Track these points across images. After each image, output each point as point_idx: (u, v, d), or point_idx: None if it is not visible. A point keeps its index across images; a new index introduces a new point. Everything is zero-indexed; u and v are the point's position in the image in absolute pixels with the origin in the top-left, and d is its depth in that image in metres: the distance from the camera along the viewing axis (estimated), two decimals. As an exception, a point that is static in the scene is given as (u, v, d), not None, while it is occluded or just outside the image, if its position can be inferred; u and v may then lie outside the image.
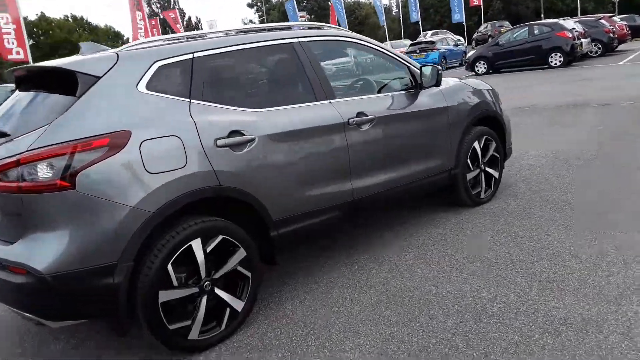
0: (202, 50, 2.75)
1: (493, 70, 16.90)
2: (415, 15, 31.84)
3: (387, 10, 44.45)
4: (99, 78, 2.43)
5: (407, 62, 3.77)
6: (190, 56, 2.69)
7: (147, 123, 2.43)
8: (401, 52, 24.34)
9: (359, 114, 3.25)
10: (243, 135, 2.70)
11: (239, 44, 2.93)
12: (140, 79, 2.51)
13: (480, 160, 4.21)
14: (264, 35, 3.11)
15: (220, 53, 2.83)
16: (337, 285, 3.17)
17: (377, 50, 3.66)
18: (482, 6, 33.93)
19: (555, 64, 15.42)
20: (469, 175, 4.13)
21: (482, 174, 4.27)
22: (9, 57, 16.68)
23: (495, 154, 4.37)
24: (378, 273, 3.26)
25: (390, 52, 3.73)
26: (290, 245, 3.05)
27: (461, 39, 29.84)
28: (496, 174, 4.40)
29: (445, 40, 23.82)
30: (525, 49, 15.84)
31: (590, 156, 5.35)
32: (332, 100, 3.17)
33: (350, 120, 3.18)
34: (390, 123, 3.44)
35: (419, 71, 3.71)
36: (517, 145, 6.22)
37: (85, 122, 2.32)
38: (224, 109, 2.71)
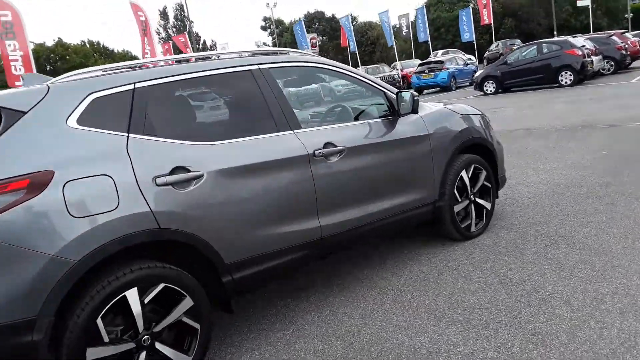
0: (145, 80, 2.54)
1: (502, 89, 16.58)
2: (424, 35, 31.68)
3: (398, 30, 44.54)
4: (24, 113, 2.23)
5: (383, 87, 3.51)
6: (130, 87, 2.48)
7: (74, 161, 2.21)
8: (410, 72, 24.34)
9: (327, 145, 3.00)
10: (188, 171, 2.46)
11: (188, 73, 2.71)
12: (71, 113, 2.30)
13: (469, 190, 3.92)
14: (220, 63, 2.89)
15: (166, 83, 2.62)
16: (304, 334, 2.89)
17: (350, 76, 3.42)
18: (492, 24, 33.75)
19: (566, 82, 15.05)
20: (457, 207, 3.83)
21: (472, 205, 3.97)
22: (17, 83, 16.94)
23: (487, 184, 4.07)
24: (350, 319, 2.96)
25: (365, 78, 3.48)
26: (250, 289, 2.79)
27: (472, 57, 29.65)
28: (488, 205, 4.10)
29: (455, 60, 23.60)
30: (534, 67, 15.51)
31: (592, 184, 5.01)
32: (296, 131, 2.93)
33: (316, 151, 2.93)
34: (363, 154, 3.18)
35: (414, 94, 3.47)
36: (518, 171, 5.95)
37: (4, 163, 2.10)
38: (168, 143, 2.48)
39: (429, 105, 3.83)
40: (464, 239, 3.94)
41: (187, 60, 2.96)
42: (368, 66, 29.84)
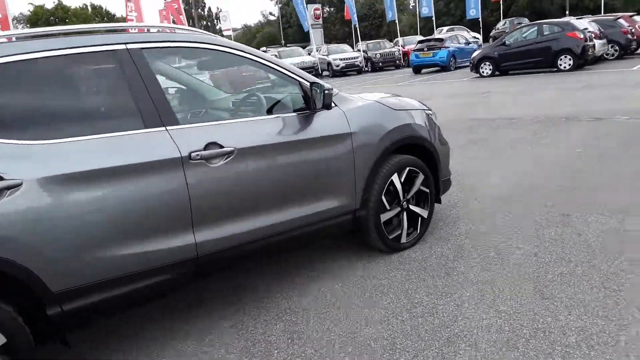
0: None
1: (500, 72, 15.90)
2: (427, 10, 30.55)
3: (406, 3, 43.13)
4: None
5: (297, 76, 3.02)
6: None
7: None
8: (412, 49, 23.52)
9: (210, 145, 2.54)
10: (1, 179, 2.02)
11: (25, 53, 2.24)
12: None
13: (401, 196, 3.47)
14: (75, 41, 2.40)
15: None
16: (170, 366, 2.49)
17: (253, 60, 2.91)
18: (501, 2, 32.55)
19: (564, 67, 14.36)
20: (385, 216, 3.39)
21: (404, 213, 3.52)
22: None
23: (424, 189, 3.62)
24: (228, 354, 2.56)
25: (273, 64, 2.98)
26: (92, 320, 2.37)
27: (478, 36, 28.66)
28: (424, 213, 3.66)
29: (456, 38, 22.74)
30: (533, 49, 14.79)
31: (554, 189, 4.54)
32: (171, 128, 2.46)
33: (193, 153, 2.47)
34: (259, 156, 2.72)
35: (327, 86, 2.97)
36: (483, 167, 5.48)
37: None
38: None
39: (358, 99, 3.35)
40: (392, 251, 3.52)
41: (46, 36, 2.48)
42: (369, 41, 28.93)
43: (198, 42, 2.73)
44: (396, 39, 29.87)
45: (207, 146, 2.52)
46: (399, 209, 3.49)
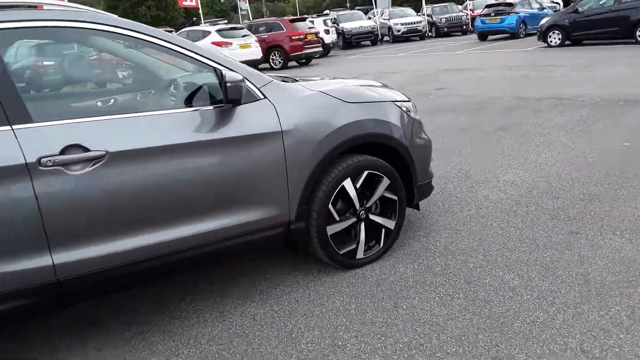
0: None
1: (571, 41, 14.27)
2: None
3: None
4: None
5: (212, 62, 2.46)
6: None
7: None
8: (477, 14, 21.82)
9: (69, 149, 2.07)
10: None
11: None
12: None
13: (356, 205, 2.90)
14: None
15: None
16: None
17: (148, 42, 2.35)
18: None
19: (645, 39, 12.60)
20: (333, 228, 2.84)
21: (362, 224, 2.95)
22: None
23: (391, 196, 3.02)
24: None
25: (177, 45, 2.40)
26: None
27: (558, 0, 26.12)
28: (390, 224, 3.06)
29: (528, 2, 20.72)
30: (609, 18, 13.05)
31: (573, 196, 3.75)
32: (18, 127, 2.02)
33: (43, 159, 2.03)
34: (143, 161, 2.21)
35: (234, 77, 2.39)
36: (498, 163, 4.71)
37: None
38: None
39: (301, 89, 2.75)
40: (345, 268, 2.98)
41: None
42: (435, 5, 27.20)
43: (73, 20, 2.23)
44: (465, 2, 27.92)
45: (66, 149, 2.06)
46: (354, 219, 2.92)
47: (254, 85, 2.54)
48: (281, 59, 17.45)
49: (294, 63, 18.41)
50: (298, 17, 18.94)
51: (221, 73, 2.32)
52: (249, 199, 2.52)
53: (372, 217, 2.99)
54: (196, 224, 2.39)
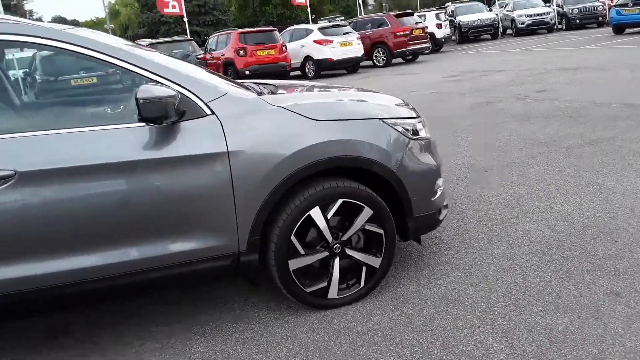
0: None
1: None
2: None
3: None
4: None
5: (153, 73, 2.22)
6: None
7: None
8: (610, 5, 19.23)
9: None
10: None
11: None
12: None
13: (328, 237, 2.51)
14: None
15: None
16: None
17: (65, 50, 2.16)
18: None
19: None
20: (297, 263, 2.48)
21: (336, 260, 2.55)
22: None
23: (375, 229, 2.58)
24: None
25: (107, 55, 2.18)
26: None
27: None
28: (374, 262, 2.62)
29: (680, -11, 17.75)
30: None
31: (628, 241, 2.96)
32: None
33: None
34: (60, 181, 2.06)
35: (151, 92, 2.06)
36: (565, 186, 3.94)
37: None
38: None
39: (263, 104, 2.41)
40: (317, 308, 2.61)
41: None
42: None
43: None
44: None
45: None
46: (325, 253, 2.54)
47: (201, 100, 2.27)
48: (384, 56, 16.95)
49: (399, 60, 17.80)
50: (404, 12, 18.17)
51: (138, 90, 2.07)
52: (185, 227, 2.27)
53: (349, 252, 2.58)
54: (120, 251, 2.19)
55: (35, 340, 2.57)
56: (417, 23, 17.33)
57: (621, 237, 3.03)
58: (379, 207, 2.56)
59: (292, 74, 16.23)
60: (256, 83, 3.23)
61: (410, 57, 17.70)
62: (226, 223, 2.32)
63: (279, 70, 14.76)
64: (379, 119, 2.58)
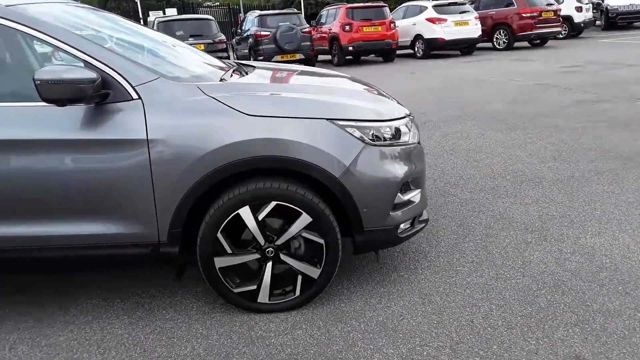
0: None
1: None
2: None
3: None
4: None
5: (83, 53, 2.19)
6: None
7: None
8: None
9: None
10: None
11: None
12: None
13: (260, 239, 2.36)
14: None
15: None
16: None
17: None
18: None
19: None
20: (223, 261, 2.37)
21: (267, 264, 2.39)
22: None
23: (315, 238, 2.36)
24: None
25: (36, 31, 2.19)
26: None
27: None
28: (312, 272, 2.41)
29: None
30: None
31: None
32: None
33: None
34: None
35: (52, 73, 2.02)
36: (617, 211, 3.34)
37: None
38: None
39: (196, 92, 2.26)
40: (245, 310, 2.48)
41: None
42: None
43: None
44: None
45: None
46: (256, 255, 2.39)
47: (128, 83, 2.21)
48: (506, 39, 15.58)
49: (524, 44, 16.27)
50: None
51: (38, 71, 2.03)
52: (104, 210, 2.26)
53: (283, 257, 2.40)
54: (36, 226, 2.26)
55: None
56: (548, 5, 15.61)
57: (636, 291, 2.45)
58: (318, 215, 2.32)
59: (400, 52, 15.67)
60: (244, 65, 3.12)
61: (537, 41, 16.10)
62: (145, 212, 2.26)
63: (383, 48, 14.32)
64: (327, 119, 2.31)
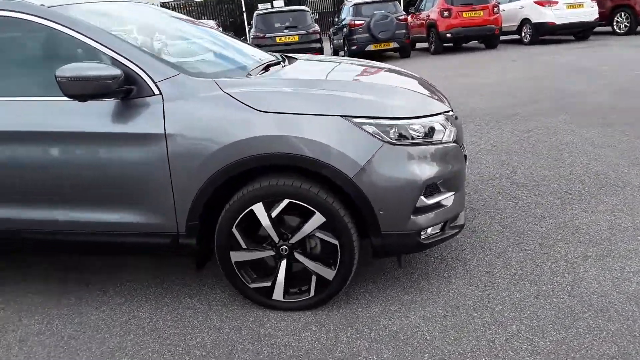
0: None
1: None
2: None
3: None
4: None
5: (109, 49, 2.29)
6: None
7: None
8: None
9: None
10: None
11: None
12: None
13: (274, 237, 2.34)
14: None
15: None
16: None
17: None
18: None
19: None
20: (238, 256, 2.38)
21: (282, 262, 2.37)
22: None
23: (329, 239, 2.29)
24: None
25: (63, 26, 2.33)
26: None
27: None
28: (327, 274, 2.35)
29: None
30: None
31: None
32: None
33: None
34: (14, 142, 2.37)
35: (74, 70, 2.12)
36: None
37: None
38: None
39: (214, 88, 2.26)
40: (260, 305, 2.48)
41: None
42: None
43: None
44: None
45: None
46: (272, 252, 2.38)
47: (151, 79, 2.28)
48: (628, 22, 13.91)
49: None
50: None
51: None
52: (126, 200, 2.37)
53: (297, 256, 2.36)
54: (66, 212, 2.43)
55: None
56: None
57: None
58: (332, 215, 2.24)
59: (505, 38, 14.68)
60: (289, 57, 3.13)
61: (668, 24, 14.17)
62: (165, 203, 2.34)
63: (485, 34, 13.48)
64: (341, 116, 2.21)
